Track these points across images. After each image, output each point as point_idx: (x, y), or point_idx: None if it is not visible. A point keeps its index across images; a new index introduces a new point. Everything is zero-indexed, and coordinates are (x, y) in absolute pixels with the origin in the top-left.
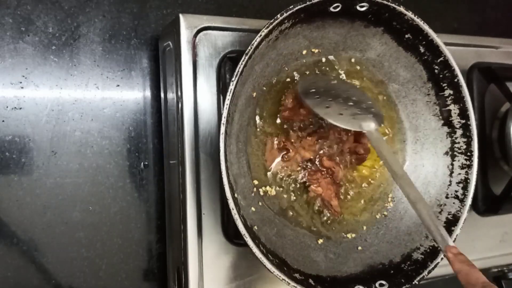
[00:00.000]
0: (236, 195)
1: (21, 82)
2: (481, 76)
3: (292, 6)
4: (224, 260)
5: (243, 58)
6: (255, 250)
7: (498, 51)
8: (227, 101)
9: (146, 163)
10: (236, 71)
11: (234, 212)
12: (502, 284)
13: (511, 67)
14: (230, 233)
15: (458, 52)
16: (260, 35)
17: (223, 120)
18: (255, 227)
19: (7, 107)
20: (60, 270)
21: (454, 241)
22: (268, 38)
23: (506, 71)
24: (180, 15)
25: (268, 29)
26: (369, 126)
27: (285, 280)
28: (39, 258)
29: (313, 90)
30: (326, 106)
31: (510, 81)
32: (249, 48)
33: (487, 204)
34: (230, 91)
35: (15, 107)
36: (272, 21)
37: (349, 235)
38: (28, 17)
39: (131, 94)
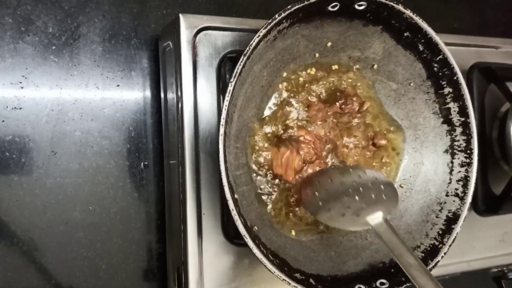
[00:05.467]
0: (236, 195)
1: (21, 82)
2: (481, 76)
3: (290, 6)
4: (224, 260)
5: (241, 59)
6: (255, 250)
7: (498, 51)
8: (226, 102)
9: (146, 163)
10: (235, 72)
11: (234, 213)
12: (502, 284)
13: (511, 67)
14: (230, 233)
15: (458, 52)
16: (258, 36)
17: (222, 121)
18: (255, 228)
19: (7, 107)
20: (60, 270)
21: (454, 239)
22: (266, 39)
23: (506, 71)
24: (180, 15)
25: (266, 29)
26: (375, 219)
27: (286, 280)
28: (39, 258)
29: (316, 193)
30: (328, 209)
31: (510, 81)
32: (247, 48)
33: (487, 204)
34: (229, 92)
35: (15, 107)
36: (270, 21)
37: (349, 234)
38: (28, 17)
39: (131, 94)
